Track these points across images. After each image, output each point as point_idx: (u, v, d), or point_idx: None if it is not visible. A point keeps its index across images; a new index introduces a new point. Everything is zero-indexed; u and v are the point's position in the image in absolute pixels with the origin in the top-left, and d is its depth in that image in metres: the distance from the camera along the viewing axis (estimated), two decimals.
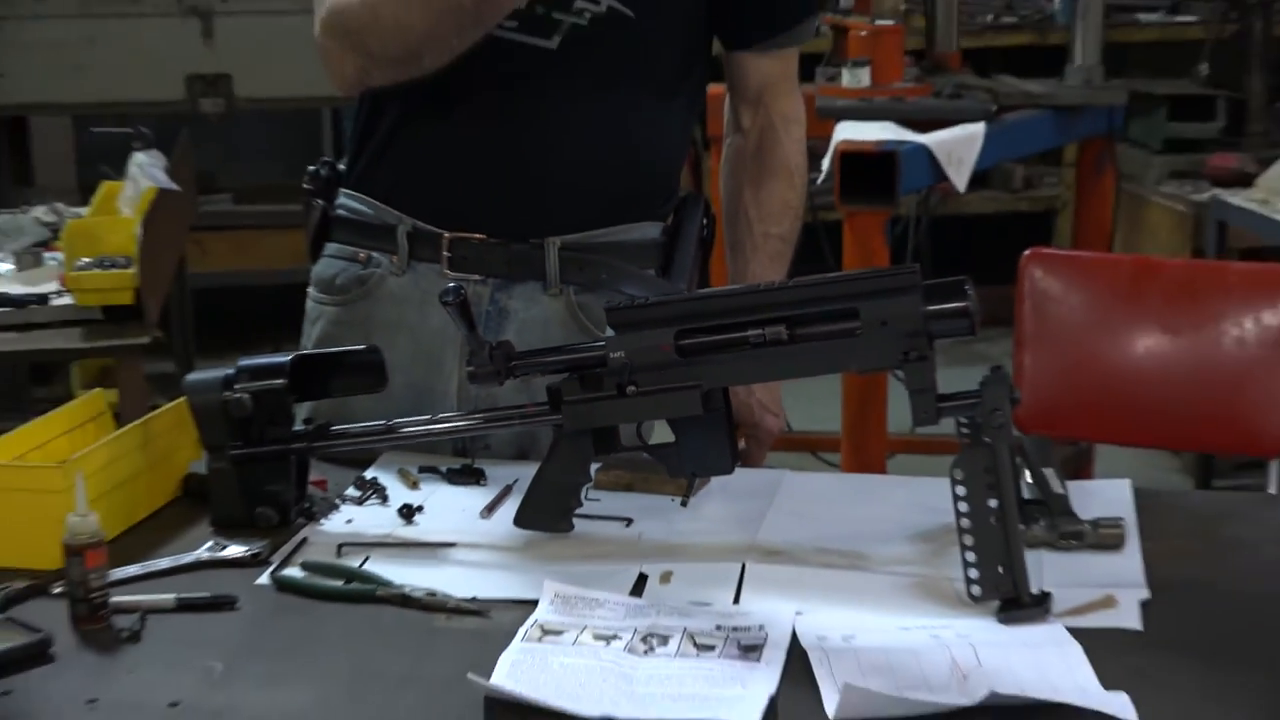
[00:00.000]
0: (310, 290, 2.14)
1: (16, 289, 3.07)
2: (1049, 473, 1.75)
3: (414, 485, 1.93)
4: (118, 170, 3.41)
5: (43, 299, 3.01)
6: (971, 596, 1.59)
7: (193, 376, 1.82)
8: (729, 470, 1.78)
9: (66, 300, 2.96)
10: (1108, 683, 1.41)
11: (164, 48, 4.89)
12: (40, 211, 3.61)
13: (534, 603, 1.59)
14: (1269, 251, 3.62)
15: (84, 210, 3.42)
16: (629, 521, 1.83)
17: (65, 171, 5.34)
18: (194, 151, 3.92)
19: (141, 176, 3.21)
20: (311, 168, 2.16)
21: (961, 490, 1.60)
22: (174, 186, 3.26)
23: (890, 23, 3.82)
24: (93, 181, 3.64)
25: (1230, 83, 5.08)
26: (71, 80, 4.87)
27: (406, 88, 1.95)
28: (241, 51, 4.89)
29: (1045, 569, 1.65)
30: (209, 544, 1.76)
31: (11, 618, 1.57)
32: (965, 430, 1.62)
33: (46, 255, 3.25)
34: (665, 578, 1.68)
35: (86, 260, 2.92)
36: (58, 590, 1.60)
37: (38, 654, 1.50)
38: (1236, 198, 3.93)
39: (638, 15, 1.96)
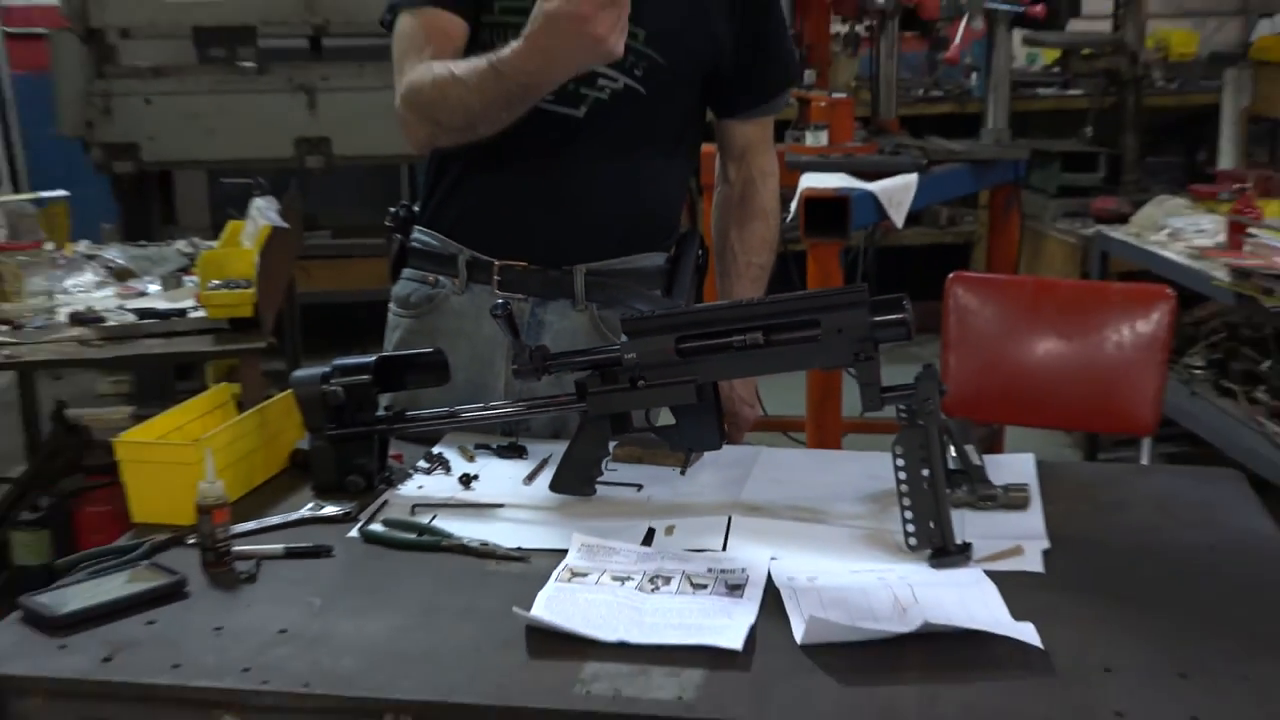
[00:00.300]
0: (390, 306, 2.13)
1: (163, 305, 3.07)
2: (969, 449, 1.74)
3: (471, 458, 1.92)
4: (241, 212, 3.40)
5: (183, 313, 3.00)
6: (909, 546, 1.58)
7: (298, 373, 1.81)
8: (717, 446, 1.78)
9: (201, 314, 2.96)
10: (1017, 615, 1.41)
11: (278, 116, 4.88)
12: (181, 244, 3.61)
13: (565, 551, 1.59)
14: (1141, 274, 3.60)
15: (215, 243, 3.41)
16: (639, 487, 1.82)
17: (201, 213, 5.35)
18: (300, 197, 3.91)
19: (260, 217, 3.21)
20: (392, 210, 2.16)
21: (901, 462, 1.60)
22: (285, 225, 3.26)
23: (843, 95, 3.81)
24: (222, 221, 3.63)
25: (1110, 142, 5.08)
26: (206, 142, 4.87)
27: (466, 148, 1.95)
28: (338, 119, 4.89)
29: (966, 524, 1.64)
30: (310, 505, 1.76)
31: (155, 563, 1.57)
32: (903, 415, 1.61)
33: (186, 279, 3.24)
34: (668, 531, 1.68)
35: (216, 282, 2.92)
36: (191, 541, 1.60)
37: (175, 591, 1.51)
38: (1116, 232, 3.92)
39: (648, 91, 1.96)
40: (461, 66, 1.83)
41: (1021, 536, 1.64)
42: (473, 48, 1.93)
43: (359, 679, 1.33)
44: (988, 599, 1.46)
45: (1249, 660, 1.35)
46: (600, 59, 1.75)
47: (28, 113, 5.71)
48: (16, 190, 5.58)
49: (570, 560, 1.56)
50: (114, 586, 1.50)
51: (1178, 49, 6.13)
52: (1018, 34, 4.43)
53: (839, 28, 4.10)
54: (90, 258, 3.43)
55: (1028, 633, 1.36)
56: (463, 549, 1.62)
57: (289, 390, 1.84)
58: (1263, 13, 6.20)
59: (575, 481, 1.77)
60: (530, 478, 1.86)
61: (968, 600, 1.45)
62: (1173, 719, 1.25)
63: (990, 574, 1.52)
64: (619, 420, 1.75)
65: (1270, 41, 5.25)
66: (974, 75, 5.56)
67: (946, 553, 1.56)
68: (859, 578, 1.52)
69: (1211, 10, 6.45)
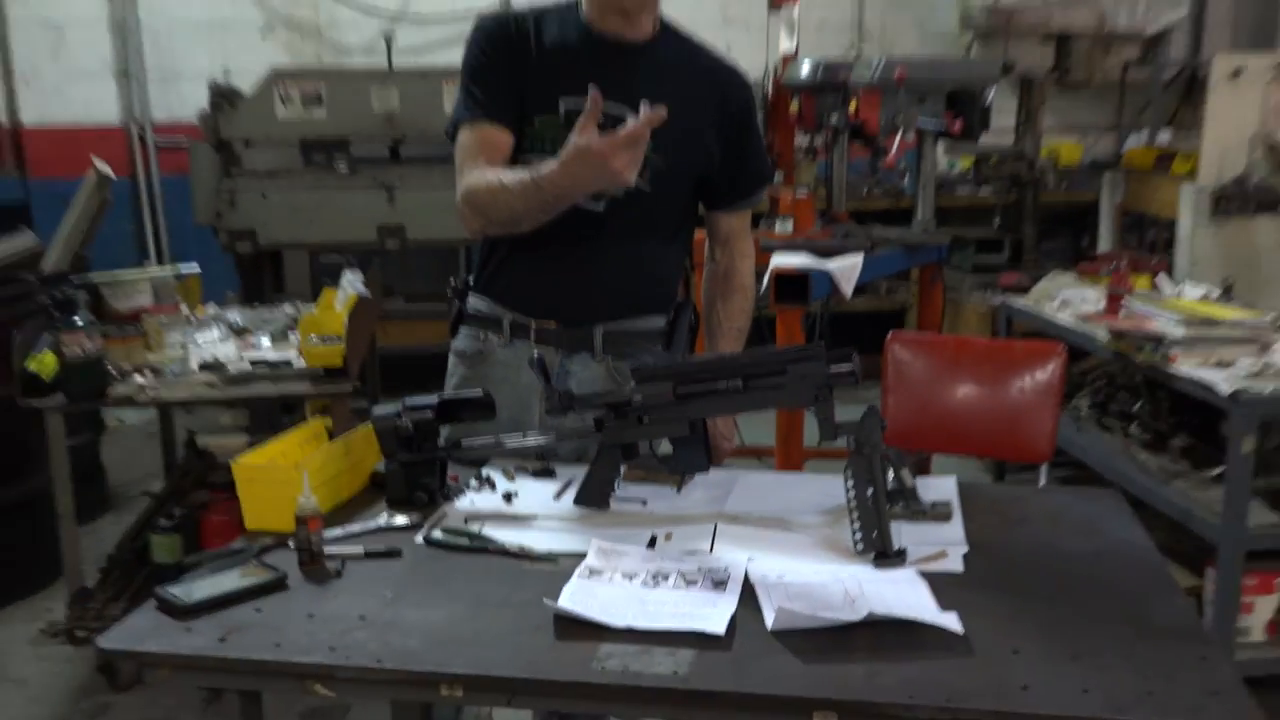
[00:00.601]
0: (450, 357, 2.12)
1: (272, 356, 3.07)
2: (904, 472, 1.72)
3: (512, 479, 1.90)
4: (334, 283, 3.40)
5: (288, 362, 3.00)
6: (857, 550, 1.57)
7: (376, 410, 1.80)
8: (706, 469, 1.78)
9: (302, 363, 2.95)
10: (943, 606, 1.40)
11: (364, 208, 4.91)
12: (287, 308, 3.61)
13: (585, 554, 1.57)
14: (1039, 334, 3.58)
15: (313, 307, 3.41)
16: (644, 502, 1.80)
17: (303, 283, 5.35)
18: (380, 272, 3.92)
19: (349, 287, 3.21)
20: (452, 282, 2.15)
21: (850, 482, 1.59)
22: (368, 293, 3.26)
23: (805, 193, 3.82)
24: (319, 289, 3.62)
25: (1013, 230, 5.08)
26: (308, 228, 4.89)
27: (510, 234, 1.95)
28: (411, 211, 4.91)
29: (902, 533, 1.62)
30: (385, 516, 1.75)
31: (262, 561, 1.56)
32: (853, 445, 1.60)
33: (291, 335, 3.24)
34: (667, 537, 1.67)
35: (314, 338, 2.92)
36: (291, 545, 1.59)
37: (277, 585, 1.50)
38: (1018, 301, 3.90)
39: (653, 191, 1.95)
40: (510, 177, 1.84)
41: (946, 543, 1.62)
42: (516, 151, 1.94)
43: (421, 656, 1.32)
44: (919, 593, 1.45)
45: (1128, 644, 1.34)
46: (616, 186, 1.76)
47: (171, 205, 5.75)
48: (160, 264, 5.61)
49: (589, 561, 1.55)
50: (229, 580, 1.50)
51: (1066, 157, 6.16)
52: (941, 145, 4.44)
53: (802, 140, 4.12)
54: (216, 318, 3.43)
55: (952, 621, 1.35)
56: (504, 552, 1.61)
57: (369, 424, 1.83)
58: (1132, 129, 6.25)
59: (594, 498, 1.75)
60: (558, 495, 1.84)
61: (904, 594, 1.44)
62: (1068, 691, 1.24)
63: (921, 573, 1.51)
64: (628, 449, 1.74)
65: (1137, 153, 5.27)
66: (907, 177, 5.57)
67: (887, 556, 1.55)
68: (818, 575, 1.51)
69: (1091, 127, 6.48)
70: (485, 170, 1.88)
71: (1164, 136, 5.97)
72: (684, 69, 2.00)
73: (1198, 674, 1.27)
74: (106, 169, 4.00)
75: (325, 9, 5.84)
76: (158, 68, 5.77)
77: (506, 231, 1.92)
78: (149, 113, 5.76)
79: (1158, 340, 2.93)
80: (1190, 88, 6.38)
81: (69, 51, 5.51)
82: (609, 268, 1.99)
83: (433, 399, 1.80)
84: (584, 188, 1.77)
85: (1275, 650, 2.77)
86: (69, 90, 5.55)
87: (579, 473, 1.81)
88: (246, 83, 5.06)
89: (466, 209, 1.92)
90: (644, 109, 1.66)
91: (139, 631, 1.40)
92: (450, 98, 4.88)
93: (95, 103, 5.58)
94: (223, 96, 4.82)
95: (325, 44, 5.87)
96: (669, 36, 2.01)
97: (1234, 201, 4.22)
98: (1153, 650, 1.32)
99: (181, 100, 5.75)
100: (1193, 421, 3.18)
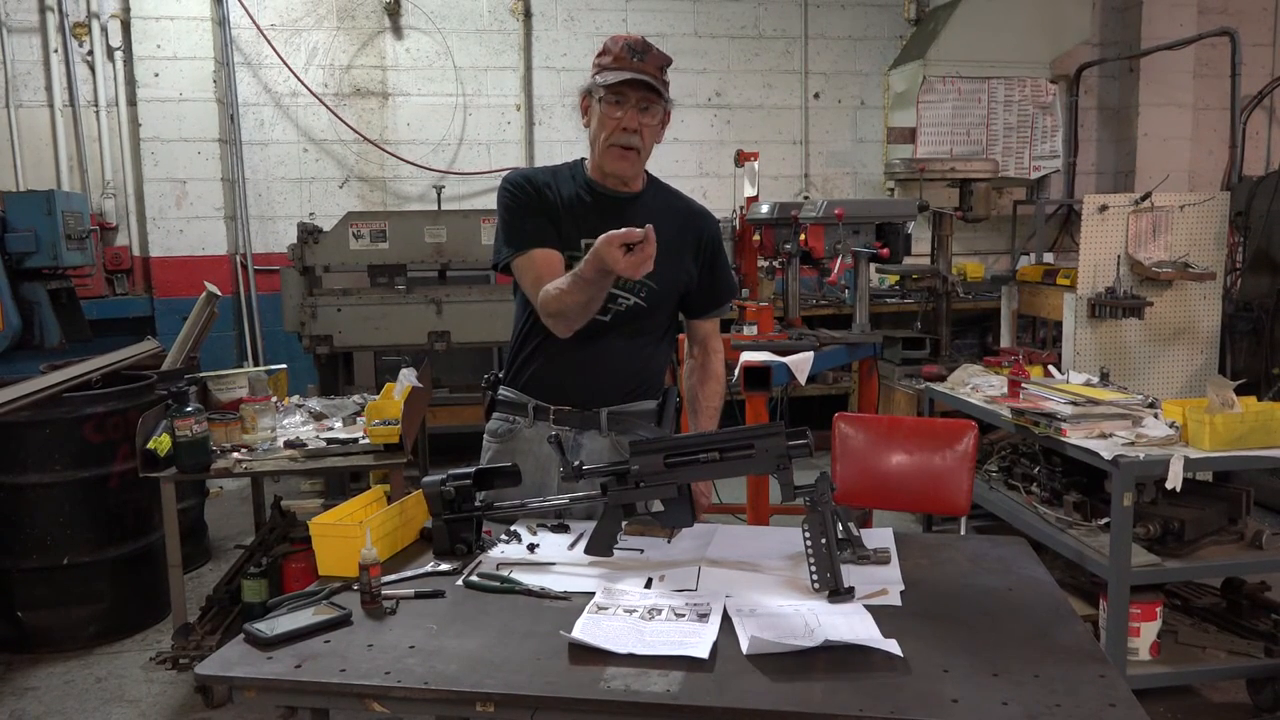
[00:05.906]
0: (485, 436, 2.11)
1: (343, 435, 3.05)
2: (850, 525, 1.70)
3: (534, 533, 1.88)
4: (393, 377, 3.40)
5: (356, 440, 2.98)
6: (814, 588, 1.55)
7: (426, 479, 1.79)
8: (690, 524, 1.77)
9: (366, 441, 2.94)
10: (885, 634, 1.38)
11: (417, 318, 4.94)
12: (356, 398, 3.60)
13: (594, 593, 1.55)
14: (955, 413, 3.57)
15: (376, 397, 3.40)
16: (642, 550, 1.78)
17: (369, 377, 5.36)
18: (430, 368, 3.92)
19: (404, 380, 3.21)
20: (486, 376, 2.15)
21: (807, 533, 1.57)
22: (420, 385, 3.26)
23: (766, 304, 3.84)
24: (381, 382, 3.63)
25: (932, 331, 5.11)
26: (373, 334, 4.91)
27: (537, 338, 1.95)
28: (455, 320, 4.93)
29: (850, 574, 1.60)
30: (431, 564, 1.72)
31: (332, 601, 1.54)
32: (809, 503, 1.59)
33: (358, 419, 3.23)
34: (661, 579, 1.64)
35: (377, 421, 2.91)
36: (355, 588, 1.56)
37: (343, 621, 1.48)
38: (938, 387, 3.90)
39: (648, 306, 1.97)
40: (560, 280, 1.83)
41: (886, 582, 1.60)
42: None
43: (460, 678, 1.29)
44: (866, 623, 1.42)
45: (1038, 663, 1.31)
46: (629, 275, 1.71)
47: (265, 317, 5.79)
48: (255, 364, 5.62)
49: (597, 599, 1.53)
50: (304, 617, 1.47)
51: (971, 274, 6.24)
52: (872, 266, 4.49)
53: (763, 263, 4.17)
54: (299, 406, 3.42)
55: (893, 646, 1.33)
56: (528, 592, 1.58)
57: (420, 489, 1.81)
58: (1022, 252, 6.35)
59: (601, 548, 1.73)
60: (572, 545, 1.82)
61: (853, 624, 1.41)
62: (990, 703, 1.21)
63: (867, 607, 1.49)
64: (628, 508, 1.72)
65: (1028, 270, 5.34)
66: (846, 291, 5.64)
67: (838, 593, 1.52)
68: (783, 609, 1.48)
69: (990, 250, 6.58)
70: (548, 287, 1.86)
71: (1048, 257, 6.06)
72: (668, 213, 2.03)
73: (1098, 688, 1.24)
74: (215, 289, 4.04)
75: (389, 166, 5.96)
76: (258, 212, 5.87)
77: (584, 321, 1.87)
78: (250, 246, 5.84)
79: (1051, 417, 2.93)
80: (1067, 219, 6.52)
81: (189, 201, 5.61)
82: (612, 363, 2.00)
83: (471, 470, 1.79)
84: (606, 266, 1.70)
85: (1159, 667, 2.71)
86: (188, 229, 5.64)
87: (588, 528, 1.79)
88: (327, 223, 5.15)
89: (550, 320, 1.88)
90: (649, 229, 1.66)
91: (230, 660, 1.37)
92: (486, 235, 4.95)
93: (208, 238, 5.66)
94: (308, 233, 4.89)
95: (389, 193, 5.98)
96: (655, 187, 2.06)
97: (1106, 307, 4.26)
98: (1059, 668, 1.29)
99: (276, 236, 5.85)
100: (1081, 482, 3.15)
